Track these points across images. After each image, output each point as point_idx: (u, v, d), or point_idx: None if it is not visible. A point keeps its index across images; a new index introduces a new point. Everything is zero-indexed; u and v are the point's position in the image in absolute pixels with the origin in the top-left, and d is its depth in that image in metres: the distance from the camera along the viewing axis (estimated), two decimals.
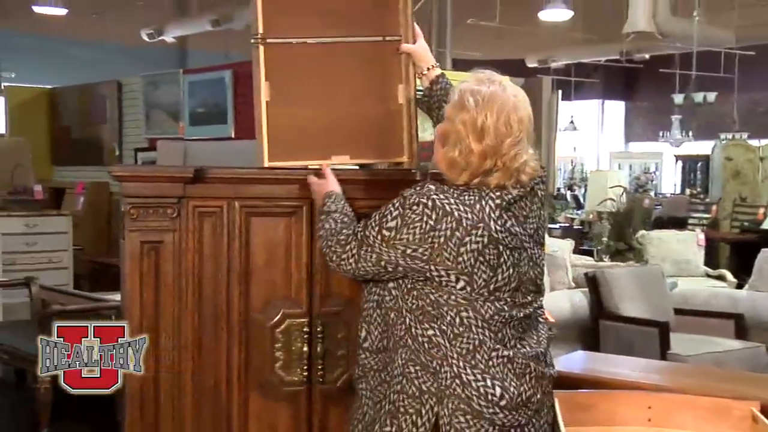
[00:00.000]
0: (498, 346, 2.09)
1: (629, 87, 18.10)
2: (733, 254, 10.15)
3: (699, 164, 14.98)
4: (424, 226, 2.05)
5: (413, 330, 2.13)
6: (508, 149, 2.07)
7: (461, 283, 2.07)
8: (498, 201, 2.08)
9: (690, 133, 14.58)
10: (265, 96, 2.45)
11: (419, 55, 2.52)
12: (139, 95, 8.34)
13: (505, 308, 2.10)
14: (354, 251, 2.17)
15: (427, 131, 2.98)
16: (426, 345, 2.11)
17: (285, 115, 2.46)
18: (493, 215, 2.07)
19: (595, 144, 19.02)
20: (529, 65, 14.36)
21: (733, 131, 13.90)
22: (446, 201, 2.05)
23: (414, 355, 2.12)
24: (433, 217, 2.04)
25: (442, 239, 2.04)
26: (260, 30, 2.43)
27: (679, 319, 5.63)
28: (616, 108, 19.08)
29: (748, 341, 5.45)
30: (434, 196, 2.06)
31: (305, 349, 2.51)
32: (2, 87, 10.94)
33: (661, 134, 15.26)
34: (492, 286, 2.08)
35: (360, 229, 2.19)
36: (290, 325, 2.52)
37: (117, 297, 3.91)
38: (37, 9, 10.78)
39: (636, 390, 2.56)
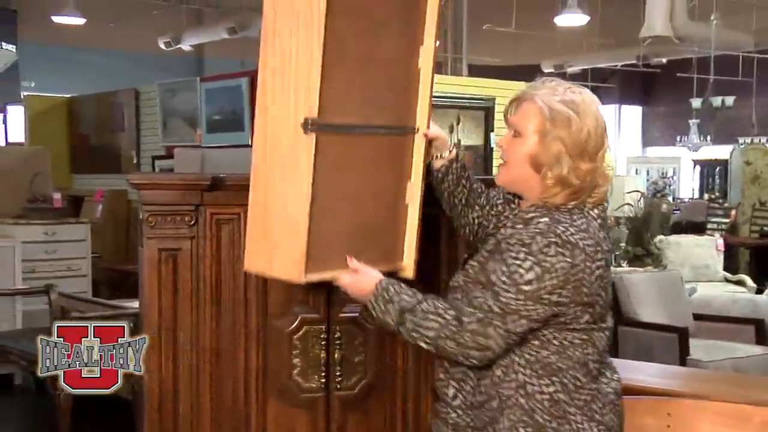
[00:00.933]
0: (608, 389, 1.95)
1: (646, 91, 18.03)
2: (752, 259, 10.10)
3: (717, 169, 14.88)
4: (565, 265, 1.80)
5: (528, 387, 1.89)
6: (601, 161, 1.91)
7: (586, 316, 1.88)
8: (599, 220, 1.91)
9: (708, 138, 14.50)
10: (307, 194, 2.01)
11: (444, 140, 2.22)
12: (157, 103, 8.38)
13: (608, 334, 1.95)
14: (499, 330, 1.82)
15: None
16: (545, 403, 1.88)
17: (325, 216, 2.05)
18: (600, 235, 1.89)
19: (612, 149, 18.97)
20: (545, 70, 14.34)
21: (751, 135, 13.83)
22: (567, 232, 1.83)
23: (527, 416, 1.88)
24: (566, 253, 1.81)
25: (580, 274, 1.82)
26: (315, 113, 1.97)
27: (699, 324, 5.60)
28: (633, 113, 19.02)
29: None
30: (558, 231, 1.82)
31: (323, 355, 2.52)
32: (22, 96, 11.03)
33: (678, 139, 15.18)
34: (603, 312, 1.92)
35: (485, 302, 1.83)
36: (308, 331, 2.52)
37: (135, 304, 3.92)
38: (55, 19, 10.88)
39: (655, 396, 2.55)
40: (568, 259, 1.80)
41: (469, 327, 1.83)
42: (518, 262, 1.80)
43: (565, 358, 1.89)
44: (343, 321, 2.54)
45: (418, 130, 2.20)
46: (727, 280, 7.96)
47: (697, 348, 5.15)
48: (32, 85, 13.11)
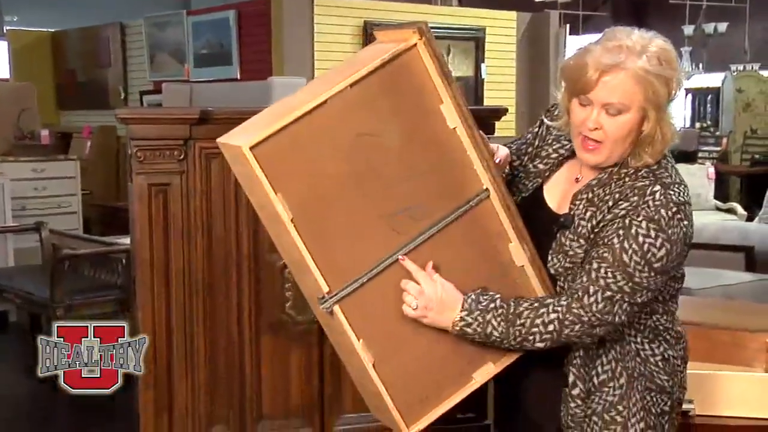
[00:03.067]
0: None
1: (638, 19, 17.81)
2: (743, 187, 10.13)
3: (709, 97, 14.83)
4: (686, 230, 1.79)
5: (642, 354, 1.90)
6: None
7: (682, 268, 1.91)
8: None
9: (700, 66, 14.41)
10: (367, 360, 1.82)
11: (507, 154, 1.99)
12: (143, 37, 8.26)
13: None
14: (625, 306, 1.77)
15: None
16: (660, 364, 1.91)
17: (395, 370, 1.84)
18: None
19: None
20: (536, 0, 14.16)
21: (744, 62, 13.76)
22: (679, 194, 1.79)
23: (650, 382, 1.90)
24: (685, 217, 1.78)
25: (691, 229, 1.82)
26: (324, 288, 1.79)
27: (690, 253, 5.62)
28: None
29: (759, 273, 5.45)
30: (674, 198, 1.77)
31: None
32: (4, 31, 10.85)
33: None
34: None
35: (615, 282, 1.76)
36: None
37: (127, 240, 3.91)
38: None
39: None
40: (685, 222, 1.79)
41: (595, 307, 1.76)
42: (650, 240, 1.75)
43: (668, 314, 1.92)
44: None
45: (487, 189, 1.85)
46: (718, 209, 7.99)
47: (688, 276, 5.12)
48: (15, 19, 12.89)
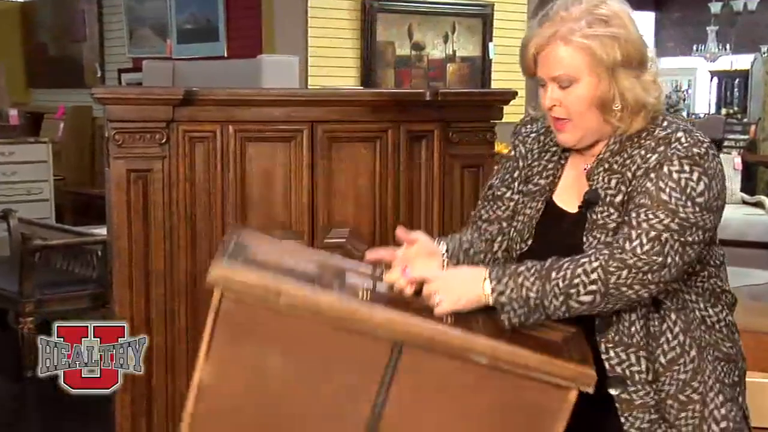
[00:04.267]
0: None
1: None
2: None
3: (737, 80, 14.82)
4: (720, 167, 1.84)
5: (708, 320, 1.90)
6: (653, 65, 1.90)
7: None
8: None
9: (727, 47, 14.39)
10: None
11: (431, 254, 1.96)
12: (122, 9, 8.24)
13: None
14: (676, 245, 1.75)
15: None
16: (724, 330, 1.91)
17: None
18: None
19: None
20: None
21: None
22: (703, 136, 1.84)
23: (718, 351, 1.89)
24: (719, 159, 1.84)
25: (724, 177, 1.87)
26: None
27: None
28: (646, 19, 18.82)
29: None
30: (702, 137, 1.83)
31: None
32: None
33: (695, 48, 15.07)
34: None
35: (659, 222, 1.75)
36: None
37: (103, 231, 3.92)
38: None
39: None
40: (719, 160, 1.84)
41: (639, 250, 1.73)
42: (686, 175, 1.78)
43: (722, 277, 1.94)
44: (328, 247, 2.54)
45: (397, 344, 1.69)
46: (745, 202, 8.00)
47: None
48: None
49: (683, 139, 1.81)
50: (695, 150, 1.79)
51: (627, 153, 1.86)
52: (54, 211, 7.10)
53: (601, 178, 1.87)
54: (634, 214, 1.78)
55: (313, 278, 1.77)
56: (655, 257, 1.74)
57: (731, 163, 8.32)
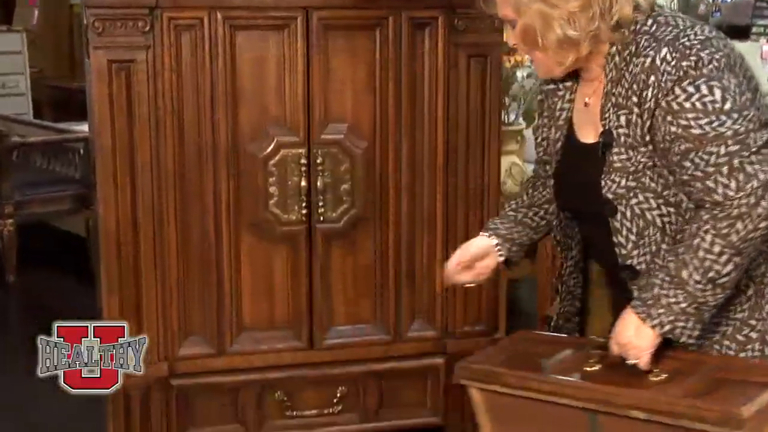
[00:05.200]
0: None
1: None
2: None
3: None
4: (727, 57, 1.81)
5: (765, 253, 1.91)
6: None
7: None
8: None
9: None
10: None
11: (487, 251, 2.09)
12: None
13: None
14: (752, 158, 1.73)
15: None
16: None
17: None
18: None
19: None
20: None
21: None
22: (689, 36, 1.82)
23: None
24: (718, 52, 1.81)
25: (732, 55, 1.85)
26: None
27: None
28: None
29: None
30: (686, 43, 1.80)
31: (303, 183, 2.55)
32: None
33: None
34: None
35: (717, 155, 1.75)
36: (285, 156, 2.54)
37: (85, 127, 3.92)
38: None
39: None
40: (717, 54, 1.79)
41: (730, 192, 1.72)
42: (695, 95, 1.76)
43: None
44: (325, 144, 2.56)
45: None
46: None
47: None
48: None
49: (669, 57, 1.78)
50: (685, 64, 1.77)
51: (626, 81, 1.85)
52: (31, 107, 7.07)
53: (610, 116, 1.88)
54: (690, 165, 1.77)
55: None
56: (748, 186, 1.73)
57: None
